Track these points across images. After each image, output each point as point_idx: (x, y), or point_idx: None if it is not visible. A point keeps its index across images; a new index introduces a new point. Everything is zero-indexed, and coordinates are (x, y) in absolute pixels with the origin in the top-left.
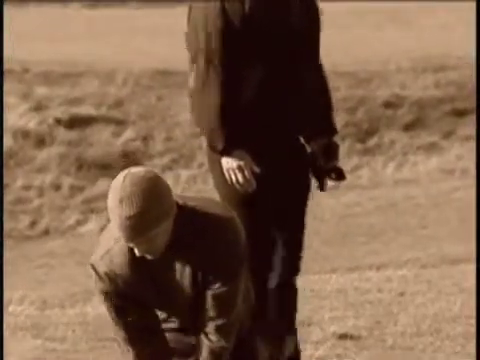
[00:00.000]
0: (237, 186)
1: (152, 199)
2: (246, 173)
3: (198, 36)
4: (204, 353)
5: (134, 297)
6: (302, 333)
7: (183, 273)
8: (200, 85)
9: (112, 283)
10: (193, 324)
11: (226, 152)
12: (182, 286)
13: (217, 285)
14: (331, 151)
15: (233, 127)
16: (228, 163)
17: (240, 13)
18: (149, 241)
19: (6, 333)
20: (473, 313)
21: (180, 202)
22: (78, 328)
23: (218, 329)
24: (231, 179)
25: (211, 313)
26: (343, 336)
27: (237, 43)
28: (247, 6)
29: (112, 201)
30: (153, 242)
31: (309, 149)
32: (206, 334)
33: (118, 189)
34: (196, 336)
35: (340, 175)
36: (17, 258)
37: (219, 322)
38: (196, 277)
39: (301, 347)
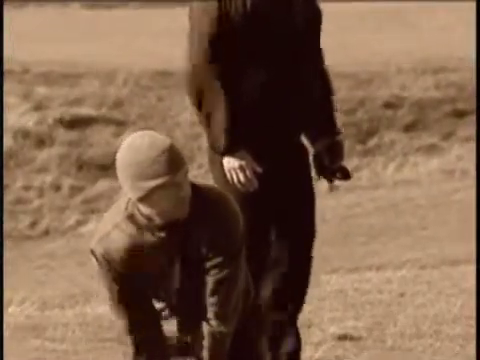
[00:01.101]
0: (238, 186)
1: (170, 141)
2: (248, 173)
3: (200, 36)
4: (206, 339)
5: (133, 283)
6: (302, 334)
7: (182, 257)
8: (202, 85)
9: (111, 267)
10: (189, 315)
11: (228, 152)
12: (180, 272)
13: (217, 269)
14: (336, 151)
15: (235, 127)
16: (229, 163)
17: (242, 13)
18: (182, 178)
19: (6, 333)
20: (473, 314)
21: None
22: (78, 329)
23: (219, 314)
24: (233, 179)
25: (212, 299)
26: (343, 337)
27: (239, 42)
28: (249, 5)
29: (134, 156)
30: (183, 185)
31: (313, 150)
32: (207, 320)
33: (129, 145)
34: (191, 334)
35: (346, 175)
36: (17, 258)
37: (220, 307)
38: (195, 261)
39: (301, 348)
